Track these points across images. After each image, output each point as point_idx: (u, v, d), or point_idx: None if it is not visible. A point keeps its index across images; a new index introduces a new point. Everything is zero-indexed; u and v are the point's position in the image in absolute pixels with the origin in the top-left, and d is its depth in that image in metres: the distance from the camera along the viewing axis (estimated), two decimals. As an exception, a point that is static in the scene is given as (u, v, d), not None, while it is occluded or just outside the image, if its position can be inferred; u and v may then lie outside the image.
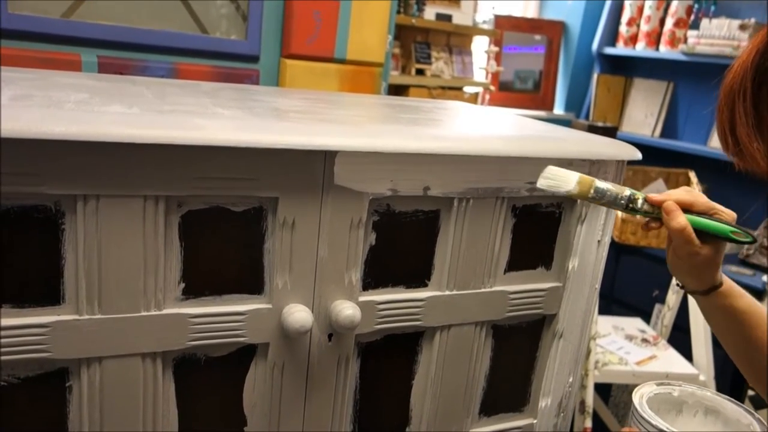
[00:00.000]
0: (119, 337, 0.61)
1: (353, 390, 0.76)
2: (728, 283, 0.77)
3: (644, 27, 2.83)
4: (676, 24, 2.71)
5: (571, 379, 0.90)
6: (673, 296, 2.15)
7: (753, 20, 2.45)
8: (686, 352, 2.07)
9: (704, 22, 2.56)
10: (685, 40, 2.64)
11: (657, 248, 2.49)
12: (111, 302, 0.60)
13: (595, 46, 3.02)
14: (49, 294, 0.59)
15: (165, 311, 0.63)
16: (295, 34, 1.32)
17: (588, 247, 0.84)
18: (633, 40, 2.90)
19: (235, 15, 1.28)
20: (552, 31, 3.07)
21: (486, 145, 0.72)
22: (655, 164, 2.72)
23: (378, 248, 0.72)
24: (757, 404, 1.97)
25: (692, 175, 2.56)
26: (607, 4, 2.96)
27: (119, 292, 0.60)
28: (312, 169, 0.64)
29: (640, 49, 2.84)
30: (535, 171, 0.73)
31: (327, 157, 0.65)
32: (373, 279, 0.73)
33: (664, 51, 2.75)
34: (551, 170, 0.72)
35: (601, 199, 0.72)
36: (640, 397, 0.68)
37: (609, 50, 2.97)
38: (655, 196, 0.74)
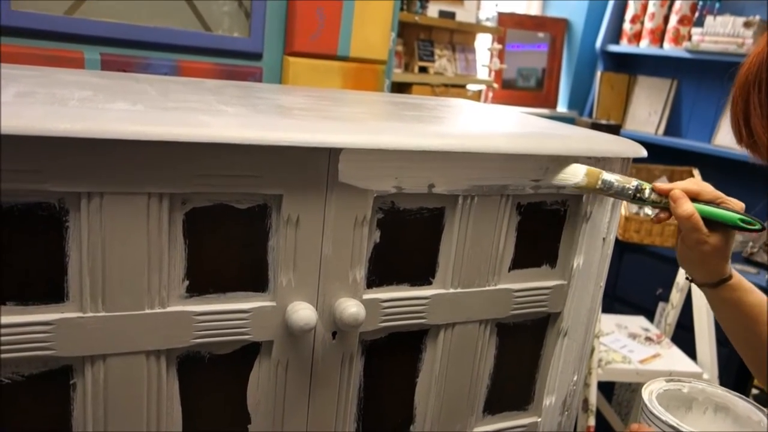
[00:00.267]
0: (123, 334, 0.61)
1: (357, 388, 0.76)
2: (737, 276, 0.77)
3: (648, 24, 2.82)
4: (680, 21, 2.70)
5: (575, 378, 0.90)
6: (676, 294, 2.15)
7: (757, 17, 2.44)
8: (690, 350, 2.07)
9: (708, 19, 2.55)
10: (689, 38, 2.63)
11: (660, 246, 2.48)
12: (115, 300, 0.60)
13: (598, 43, 3.01)
14: (53, 291, 0.58)
15: (169, 309, 0.63)
16: (298, 31, 1.31)
17: (593, 244, 0.84)
18: (637, 37, 2.89)
19: (238, 12, 1.28)
20: (555, 28, 3.06)
21: (490, 142, 0.71)
22: (658, 162, 2.71)
23: (382, 246, 0.72)
24: (762, 403, 1.97)
25: (696, 172, 2.55)
26: (611, 2, 2.95)
27: (123, 289, 0.60)
28: (316, 166, 0.64)
29: (644, 46, 2.84)
30: (539, 168, 0.72)
31: (331, 155, 0.64)
32: (378, 277, 0.73)
33: (668, 48, 2.74)
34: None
35: (609, 190, 0.73)
36: (649, 394, 0.68)
37: (612, 48, 2.96)
38: (662, 185, 0.74)
